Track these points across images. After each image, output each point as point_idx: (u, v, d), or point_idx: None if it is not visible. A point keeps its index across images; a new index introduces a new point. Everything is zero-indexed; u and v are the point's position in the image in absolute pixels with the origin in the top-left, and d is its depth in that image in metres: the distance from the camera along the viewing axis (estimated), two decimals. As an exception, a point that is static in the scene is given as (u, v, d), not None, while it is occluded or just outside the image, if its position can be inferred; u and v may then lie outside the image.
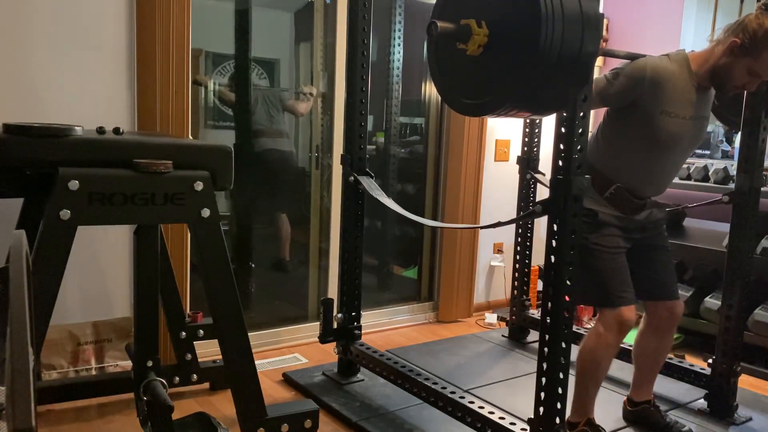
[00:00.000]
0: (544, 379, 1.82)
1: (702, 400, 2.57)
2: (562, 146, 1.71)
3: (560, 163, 1.72)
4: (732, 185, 2.72)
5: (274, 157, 3.64)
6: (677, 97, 2.01)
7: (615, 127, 2.10)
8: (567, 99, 1.65)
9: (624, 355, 2.62)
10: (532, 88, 1.55)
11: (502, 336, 3.38)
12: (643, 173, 2.10)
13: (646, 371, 2.36)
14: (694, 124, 2.07)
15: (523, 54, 1.51)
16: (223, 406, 2.43)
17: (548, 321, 1.79)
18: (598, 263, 2.07)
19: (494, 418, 2.06)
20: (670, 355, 2.84)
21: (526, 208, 3.18)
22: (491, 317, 3.72)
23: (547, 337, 1.80)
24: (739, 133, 2.41)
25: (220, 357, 1.99)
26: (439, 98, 3.63)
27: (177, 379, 2.45)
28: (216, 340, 1.95)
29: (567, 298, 1.77)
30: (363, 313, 2.78)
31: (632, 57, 2.08)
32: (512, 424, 2.01)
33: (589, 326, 3.56)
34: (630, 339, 2.41)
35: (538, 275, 3.68)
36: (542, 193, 2.44)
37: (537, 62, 1.49)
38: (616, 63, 2.21)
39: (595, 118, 3.57)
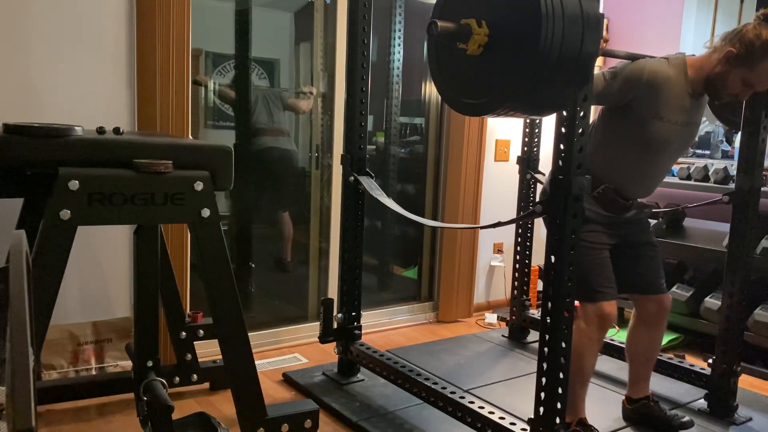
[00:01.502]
0: (544, 379, 1.82)
1: (702, 400, 2.57)
2: (562, 146, 1.71)
3: (560, 163, 1.72)
4: (732, 185, 2.72)
5: (275, 155, 3.63)
6: (671, 103, 2.02)
7: (608, 127, 2.12)
8: (567, 99, 1.65)
9: (620, 353, 2.62)
10: (533, 88, 1.55)
11: (502, 336, 3.38)
12: (631, 174, 2.13)
13: (640, 367, 2.37)
14: (684, 130, 2.09)
15: (523, 54, 1.52)
16: (223, 406, 2.43)
17: (548, 321, 1.79)
18: (581, 258, 2.07)
19: (494, 418, 2.06)
20: (670, 355, 2.85)
21: (526, 208, 3.18)
22: (491, 317, 3.72)
23: (547, 337, 1.80)
24: (739, 133, 2.41)
25: (220, 357, 1.99)
26: (439, 98, 3.63)
27: (177, 379, 2.45)
28: (216, 340, 1.95)
29: (567, 298, 1.77)
30: (363, 313, 2.78)
31: (632, 57, 2.09)
32: (512, 424, 2.01)
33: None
34: (623, 337, 2.41)
35: (538, 275, 3.69)
36: (542, 193, 2.44)
37: (537, 62, 1.49)
38: (617, 63, 2.21)
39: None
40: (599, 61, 3.89)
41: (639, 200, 2.19)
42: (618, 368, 2.74)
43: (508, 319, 3.40)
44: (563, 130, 1.71)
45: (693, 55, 2.13)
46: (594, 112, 2.33)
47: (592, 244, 2.11)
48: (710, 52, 2.06)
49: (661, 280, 2.28)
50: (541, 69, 1.50)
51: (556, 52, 1.48)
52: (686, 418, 2.31)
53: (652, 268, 2.26)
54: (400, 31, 3.57)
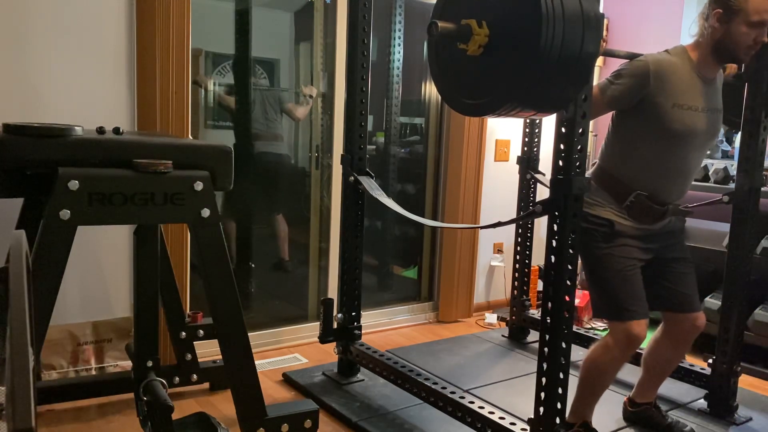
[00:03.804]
0: (544, 379, 1.82)
1: (702, 400, 2.57)
2: (562, 146, 1.71)
3: (560, 163, 1.72)
4: (732, 185, 2.72)
5: (268, 159, 3.64)
6: (685, 88, 1.99)
7: (629, 129, 2.05)
8: (567, 99, 1.65)
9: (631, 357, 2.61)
10: (533, 88, 1.55)
11: (502, 336, 3.38)
12: (664, 173, 2.04)
13: (654, 376, 2.33)
14: (708, 117, 2.04)
15: (523, 54, 1.52)
16: (223, 406, 2.43)
17: (548, 321, 1.79)
18: (609, 274, 2.02)
19: (494, 418, 2.06)
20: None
21: (526, 208, 3.18)
22: (491, 317, 3.72)
23: (547, 337, 1.80)
24: (739, 133, 2.41)
25: (220, 357, 1.99)
26: (439, 98, 3.63)
27: (177, 379, 2.45)
28: (216, 340, 1.95)
29: (567, 298, 1.77)
30: (363, 313, 2.78)
31: (632, 57, 2.08)
32: (512, 424, 2.01)
33: (589, 326, 3.57)
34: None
35: (538, 275, 3.68)
36: (542, 193, 2.44)
37: (537, 62, 1.49)
38: (616, 63, 2.21)
39: (597, 122, 3.56)
40: (599, 61, 3.89)
41: (673, 204, 2.11)
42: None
43: (508, 319, 3.40)
44: (563, 130, 1.71)
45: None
46: (594, 125, 2.33)
47: (622, 260, 2.02)
48: (700, 30, 2.04)
49: (696, 298, 2.19)
50: (541, 69, 1.50)
51: (557, 52, 1.48)
52: (687, 428, 2.28)
53: (686, 284, 2.16)
54: (400, 31, 3.57)
